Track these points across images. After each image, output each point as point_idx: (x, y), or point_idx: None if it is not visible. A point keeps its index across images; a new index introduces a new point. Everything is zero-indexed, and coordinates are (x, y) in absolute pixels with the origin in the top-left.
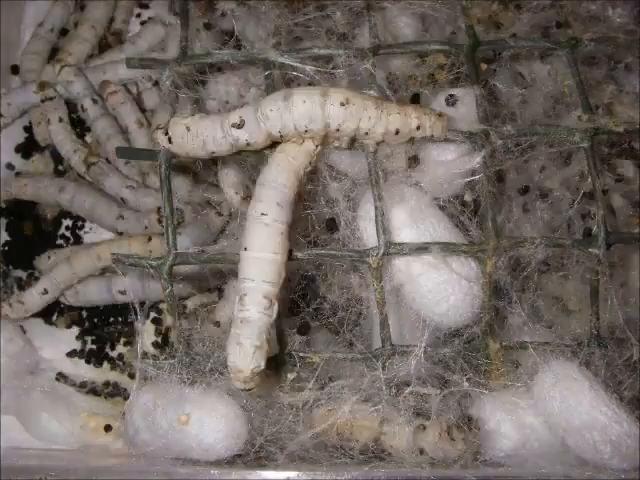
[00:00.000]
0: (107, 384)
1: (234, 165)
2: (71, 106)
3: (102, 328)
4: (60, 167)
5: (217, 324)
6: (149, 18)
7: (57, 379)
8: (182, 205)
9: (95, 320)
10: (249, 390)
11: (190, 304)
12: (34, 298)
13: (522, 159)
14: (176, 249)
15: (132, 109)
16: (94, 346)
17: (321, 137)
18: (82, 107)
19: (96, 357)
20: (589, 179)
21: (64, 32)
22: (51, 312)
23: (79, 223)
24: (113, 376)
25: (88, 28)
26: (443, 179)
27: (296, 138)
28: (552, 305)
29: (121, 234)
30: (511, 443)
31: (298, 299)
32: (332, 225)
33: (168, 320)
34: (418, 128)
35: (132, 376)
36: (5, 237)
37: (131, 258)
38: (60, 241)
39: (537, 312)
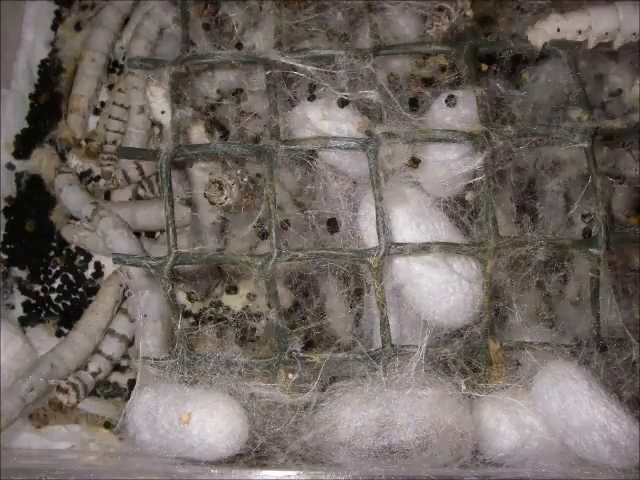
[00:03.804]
0: (107, 384)
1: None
2: None
3: None
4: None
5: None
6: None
7: None
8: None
9: None
10: None
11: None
12: None
13: (523, 159)
14: (176, 249)
15: None
16: None
17: None
18: None
19: None
20: (589, 179)
21: None
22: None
23: None
24: (113, 376)
25: None
26: (444, 180)
27: None
28: (552, 305)
29: None
30: (510, 443)
31: (299, 298)
32: (333, 226)
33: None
34: None
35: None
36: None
37: (131, 258)
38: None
39: (537, 312)
